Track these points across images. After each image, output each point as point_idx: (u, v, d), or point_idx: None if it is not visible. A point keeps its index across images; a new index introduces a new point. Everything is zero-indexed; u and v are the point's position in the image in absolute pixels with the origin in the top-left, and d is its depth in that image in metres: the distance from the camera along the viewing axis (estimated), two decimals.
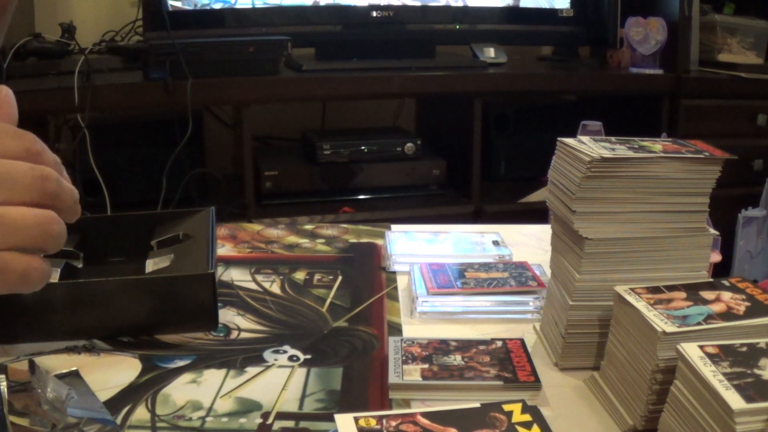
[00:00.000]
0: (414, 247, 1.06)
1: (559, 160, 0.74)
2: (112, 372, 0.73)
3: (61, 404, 0.60)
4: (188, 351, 0.78)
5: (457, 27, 2.31)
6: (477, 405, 0.63)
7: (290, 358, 0.77)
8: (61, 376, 0.68)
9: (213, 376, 0.73)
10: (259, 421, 0.66)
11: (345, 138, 2.09)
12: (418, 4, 2.21)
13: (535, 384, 0.69)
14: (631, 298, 0.65)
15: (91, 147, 1.77)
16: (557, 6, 2.34)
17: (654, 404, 0.61)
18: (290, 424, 0.65)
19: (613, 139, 0.74)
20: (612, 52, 2.38)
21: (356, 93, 2.05)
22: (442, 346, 0.75)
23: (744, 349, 0.56)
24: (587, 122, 1.27)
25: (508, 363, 0.72)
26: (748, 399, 0.50)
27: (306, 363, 0.76)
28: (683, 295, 0.66)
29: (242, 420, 0.66)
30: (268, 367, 0.75)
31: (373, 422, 0.60)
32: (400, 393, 0.69)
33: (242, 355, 0.77)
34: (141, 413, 0.66)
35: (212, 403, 0.68)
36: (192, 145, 1.91)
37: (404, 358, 0.72)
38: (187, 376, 0.73)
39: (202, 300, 0.81)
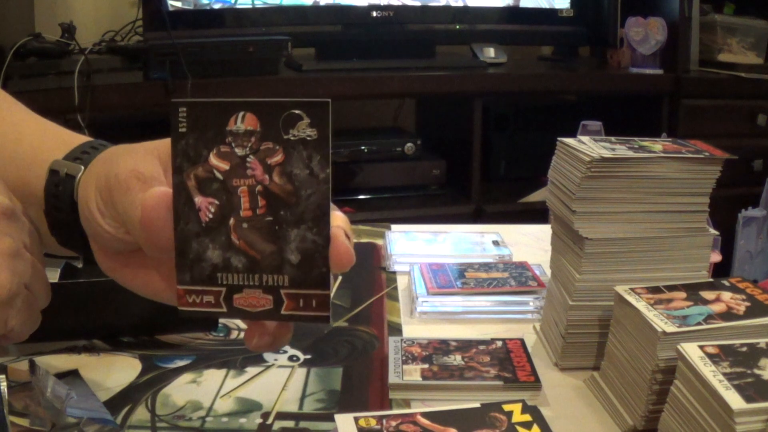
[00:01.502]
0: (414, 247, 1.06)
1: (559, 160, 0.74)
2: (112, 372, 0.73)
3: (61, 404, 0.60)
4: (188, 351, 0.78)
5: (457, 27, 2.31)
6: (477, 405, 0.63)
7: (290, 358, 0.77)
8: (61, 376, 0.68)
9: (213, 376, 0.73)
10: (259, 421, 0.66)
11: (345, 138, 2.09)
12: (418, 4, 2.21)
13: (535, 384, 0.69)
14: (631, 298, 0.65)
15: None
16: (557, 6, 2.35)
17: (654, 404, 0.61)
18: (290, 424, 0.65)
19: (613, 139, 0.74)
20: (612, 52, 2.38)
21: (356, 93, 2.05)
22: (442, 346, 0.75)
23: (744, 349, 0.56)
24: (587, 122, 1.27)
25: (508, 363, 0.72)
26: (748, 399, 0.50)
27: (306, 363, 0.76)
28: (683, 295, 0.66)
29: (242, 420, 0.66)
30: (268, 367, 0.75)
31: (373, 422, 0.60)
32: (400, 393, 0.69)
33: (242, 355, 0.77)
34: (141, 413, 0.66)
35: (212, 403, 0.68)
36: None
37: (404, 358, 0.72)
38: (187, 376, 0.73)
39: None
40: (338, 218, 0.44)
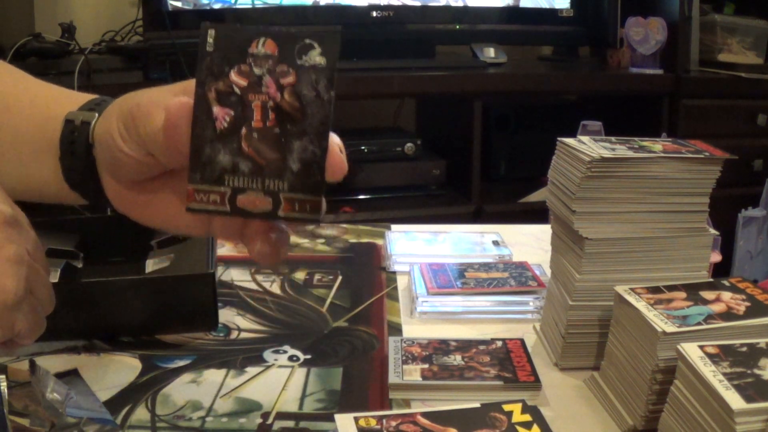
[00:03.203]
0: (414, 247, 1.06)
1: (559, 160, 0.74)
2: (112, 372, 0.73)
3: (61, 404, 0.60)
4: (188, 351, 0.78)
5: (457, 27, 2.31)
6: (477, 405, 0.63)
7: (290, 358, 0.77)
8: (61, 376, 0.68)
9: (213, 376, 0.73)
10: (259, 421, 0.66)
11: (345, 138, 2.06)
12: (418, 4, 2.21)
13: (535, 384, 0.69)
14: (631, 298, 0.65)
15: None
16: (557, 6, 2.34)
17: (654, 404, 0.61)
18: (290, 424, 0.65)
19: (613, 139, 0.74)
20: (612, 52, 2.38)
21: (356, 93, 2.05)
22: (442, 346, 0.75)
23: (744, 349, 0.56)
24: (587, 122, 1.27)
25: (508, 363, 0.72)
26: (748, 399, 0.50)
27: (306, 363, 0.76)
28: (683, 295, 0.66)
29: (242, 420, 0.66)
30: (268, 367, 0.75)
31: (373, 422, 0.60)
32: (400, 393, 0.69)
33: (242, 355, 0.77)
34: (141, 413, 0.66)
35: (212, 403, 0.68)
36: None
37: (404, 358, 0.72)
38: (187, 376, 0.73)
39: (202, 300, 0.81)
40: (334, 137, 0.49)
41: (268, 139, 0.47)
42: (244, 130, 0.47)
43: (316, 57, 0.46)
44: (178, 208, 0.50)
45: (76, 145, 0.53)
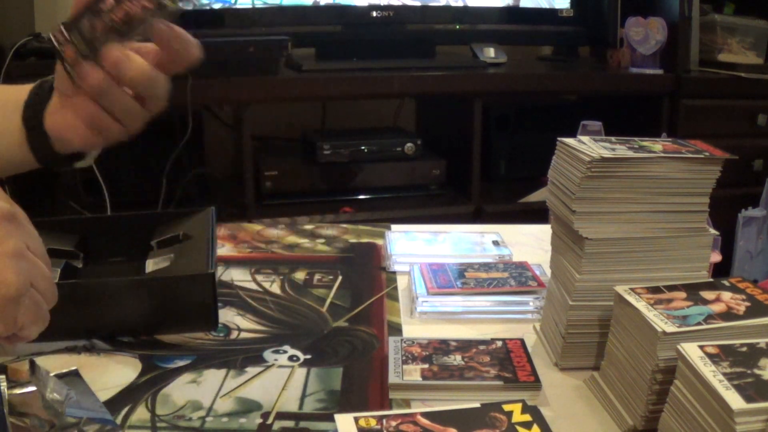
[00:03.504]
0: (414, 247, 1.06)
1: (559, 160, 0.74)
2: (112, 372, 0.73)
3: (61, 404, 0.60)
4: (188, 351, 0.78)
5: (457, 27, 2.31)
6: (477, 405, 0.63)
7: (290, 358, 0.77)
8: (61, 376, 0.68)
9: (213, 376, 0.73)
10: (259, 421, 0.66)
11: (345, 138, 2.09)
12: (418, 4, 2.21)
13: (535, 384, 0.69)
14: (631, 298, 0.65)
15: None
16: (557, 6, 2.34)
17: (654, 404, 0.61)
18: (290, 424, 0.65)
19: (613, 139, 0.74)
20: (612, 52, 2.38)
21: (356, 93, 2.05)
22: (442, 346, 0.75)
23: (744, 349, 0.56)
24: (587, 122, 1.27)
25: (508, 363, 0.72)
26: (748, 399, 0.50)
27: (306, 363, 0.76)
28: (683, 295, 0.66)
29: (242, 420, 0.66)
30: (268, 367, 0.75)
31: (373, 422, 0.60)
32: (400, 393, 0.69)
33: (242, 355, 0.77)
34: (141, 413, 0.66)
35: (212, 403, 0.68)
36: (192, 145, 1.91)
37: (404, 358, 0.72)
38: (187, 376, 0.73)
39: (202, 300, 0.81)
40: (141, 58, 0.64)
41: (108, 29, 0.63)
42: (106, 17, 0.63)
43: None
44: (84, 132, 0.65)
45: (41, 89, 0.67)
